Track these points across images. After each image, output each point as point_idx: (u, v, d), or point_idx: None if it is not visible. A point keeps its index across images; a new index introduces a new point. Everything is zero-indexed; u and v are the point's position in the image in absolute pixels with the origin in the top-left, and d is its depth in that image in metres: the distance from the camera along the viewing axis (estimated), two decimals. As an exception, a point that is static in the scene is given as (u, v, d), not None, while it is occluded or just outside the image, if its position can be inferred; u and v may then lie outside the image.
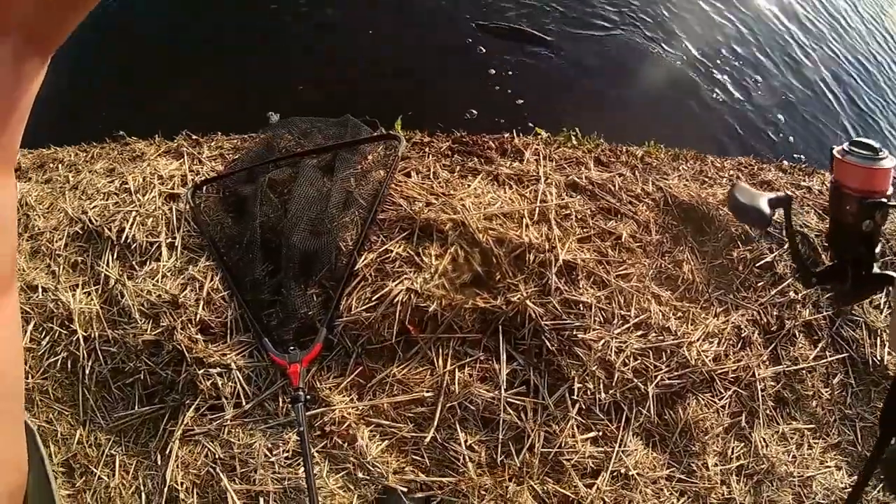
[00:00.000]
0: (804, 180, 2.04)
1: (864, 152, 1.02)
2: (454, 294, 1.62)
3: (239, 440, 1.66)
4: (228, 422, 1.68)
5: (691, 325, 1.71)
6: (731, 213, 1.33)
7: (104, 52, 2.79)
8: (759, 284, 1.81)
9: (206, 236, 1.80)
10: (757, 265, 1.81)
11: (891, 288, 1.08)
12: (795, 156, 2.19)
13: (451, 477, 1.61)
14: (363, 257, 1.67)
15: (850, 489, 1.91)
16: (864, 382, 1.94)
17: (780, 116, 2.42)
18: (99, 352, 1.73)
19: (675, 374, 1.67)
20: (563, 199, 1.68)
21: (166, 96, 2.41)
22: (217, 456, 1.66)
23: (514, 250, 1.62)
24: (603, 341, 1.62)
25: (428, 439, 1.61)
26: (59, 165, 2.22)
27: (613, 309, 1.64)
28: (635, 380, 1.64)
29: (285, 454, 1.64)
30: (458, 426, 1.62)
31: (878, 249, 1.04)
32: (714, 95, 2.35)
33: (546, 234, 1.63)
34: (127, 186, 2.03)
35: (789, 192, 1.09)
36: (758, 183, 1.96)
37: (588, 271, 1.64)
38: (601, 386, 1.63)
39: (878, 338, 1.96)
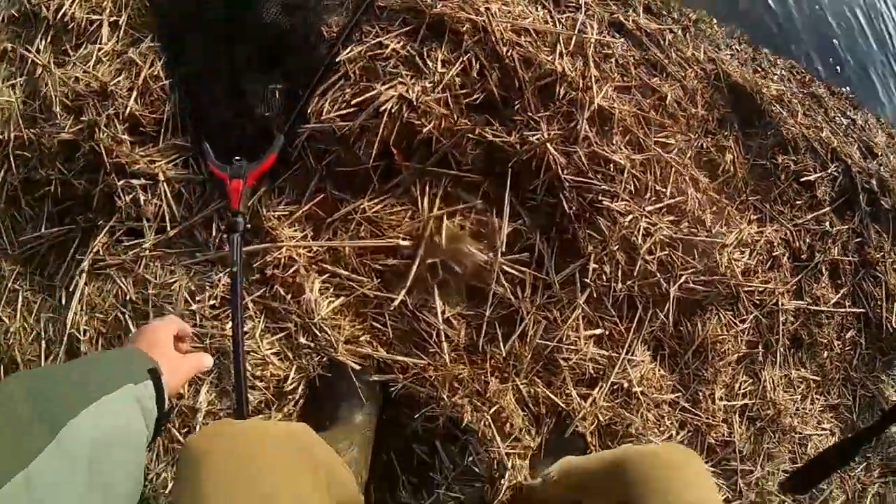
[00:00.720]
0: (849, 111, 1.84)
1: None
2: (458, 116, 1.22)
3: (157, 278, 1.22)
4: (147, 252, 1.23)
5: (726, 225, 1.41)
6: None
7: None
8: (798, 203, 1.55)
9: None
10: (799, 180, 1.56)
11: None
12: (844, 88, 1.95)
13: (419, 359, 1.21)
14: (348, 49, 1.23)
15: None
16: (872, 347, 1.73)
17: (840, 41, 2.18)
18: (12, 158, 1.27)
19: (703, 279, 1.35)
20: (605, 37, 1.33)
21: None
22: (129, 297, 1.22)
23: (541, 77, 1.24)
24: (631, 217, 1.27)
25: (396, 303, 1.21)
26: None
27: (648, 180, 1.31)
28: (659, 274, 1.31)
29: (211, 302, 1.21)
30: (435, 291, 1.22)
31: None
32: None
33: (581, 69, 1.27)
34: None
35: None
36: (808, 94, 1.73)
37: (625, 127, 1.29)
38: (619, 273, 1.28)
39: (895, 303, 1.76)
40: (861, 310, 1.70)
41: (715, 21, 1.68)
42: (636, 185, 1.29)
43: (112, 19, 1.35)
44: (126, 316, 1.20)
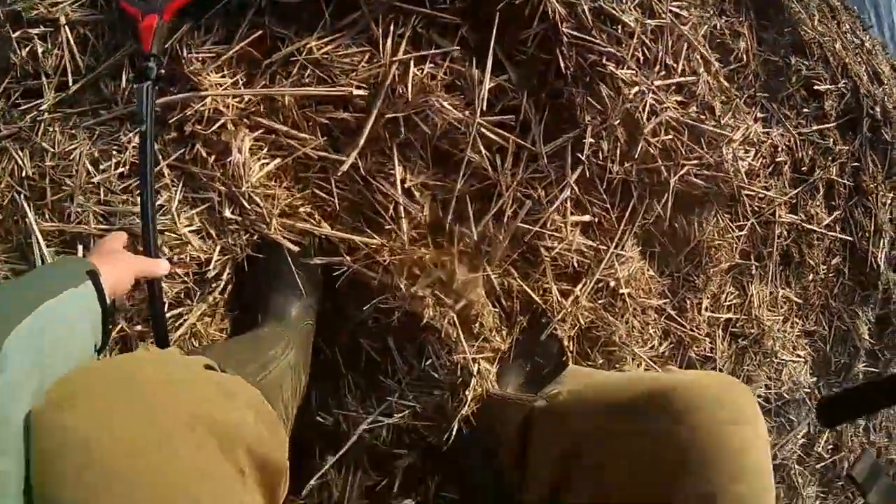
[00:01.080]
0: (859, 31, 1.70)
1: None
2: (441, -66, 0.97)
3: (56, 146, 0.93)
4: (46, 115, 0.94)
5: (734, 118, 1.25)
6: None
7: None
8: (805, 111, 1.42)
9: None
10: (809, 87, 1.42)
11: None
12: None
13: (371, 238, 1.00)
14: None
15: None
16: (854, 279, 1.66)
17: None
18: None
19: (706, 172, 1.19)
20: None
21: None
22: (25, 173, 0.93)
23: None
24: (637, 89, 1.08)
25: (345, 167, 0.98)
26: None
27: (658, 50, 1.11)
28: (660, 160, 1.13)
29: (118, 170, 0.97)
30: (395, 154, 1.00)
31: None
32: None
33: None
34: None
35: None
36: (824, 1, 1.57)
37: (637, -18, 1.08)
38: (618, 153, 1.10)
39: (882, 239, 1.68)
40: (849, 238, 1.61)
41: None
42: (645, 53, 1.10)
43: None
44: (22, 197, 0.95)
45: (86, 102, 0.99)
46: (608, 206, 1.12)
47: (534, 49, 1.04)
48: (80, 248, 0.95)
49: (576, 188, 1.08)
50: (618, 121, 1.08)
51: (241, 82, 1.01)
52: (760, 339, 1.42)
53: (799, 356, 1.57)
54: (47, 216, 0.95)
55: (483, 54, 1.01)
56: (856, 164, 1.59)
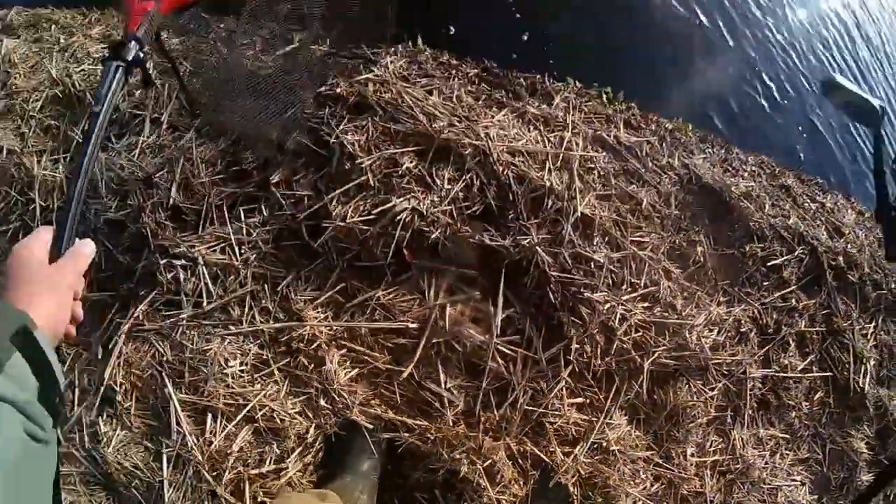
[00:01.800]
0: (818, 195, 2.03)
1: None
2: (461, 224, 1.49)
3: (193, 344, 1.49)
4: (184, 321, 1.50)
5: (696, 308, 1.64)
6: (833, 95, 1.20)
7: None
8: (765, 284, 1.77)
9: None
10: (766, 264, 1.77)
11: None
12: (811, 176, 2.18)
13: (423, 421, 1.47)
14: (370, 158, 1.51)
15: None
16: (841, 406, 1.92)
17: (804, 131, 2.42)
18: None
19: (674, 354, 1.59)
20: (588, 153, 1.59)
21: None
22: (165, 358, 1.48)
23: (533, 191, 1.51)
24: (609, 305, 1.52)
25: (405, 375, 1.47)
26: (53, 26, 2.02)
27: (624, 274, 1.55)
28: (633, 352, 1.55)
29: (243, 367, 1.47)
30: (440, 366, 1.49)
31: None
32: (753, 90, 2.32)
33: (567, 182, 1.53)
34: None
35: (883, 104, 0.99)
36: (777, 186, 1.94)
37: (604, 230, 1.54)
38: (598, 351, 1.53)
39: (863, 366, 1.94)
40: (828, 374, 1.89)
41: (691, 127, 1.91)
42: (614, 278, 1.54)
43: (154, 115, 1.67)
44: (163, 374, 1.43)
45: (217, 318, 1.53)
46: (596, 389, 1.54)
47: (531, 288, 1.51)
48: (209, 417, 1.39)
49: (569, 380, 1.52)
50: (596, 330, 1.52)
51: (330, 317, 1.55)
52: (747, 472, 1.72)
53: (794, 480, 1.84)
54: (183, 390, 1.41)
55: (496, 295, 1.50)
56: (826, 311, 1.89)
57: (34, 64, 1.87)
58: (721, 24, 2.45)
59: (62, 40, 1.94)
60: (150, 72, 1.32)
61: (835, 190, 2.15)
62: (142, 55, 0.87)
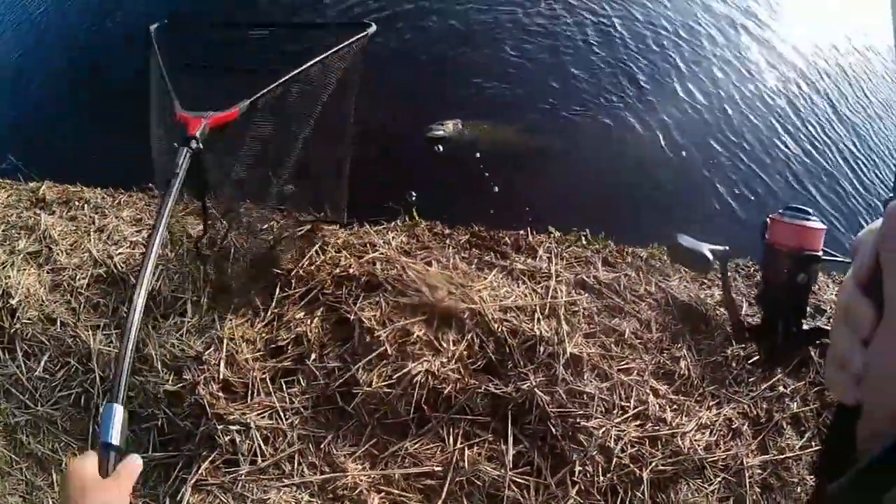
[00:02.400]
0: None
1: (798, 214, 1.16)
2: (468, 378, 1.77)
3: (253, 495, 1.81)
4: (243, 477, 1.82)
5: (686, 416, 1.85)
6: (673, 258, 1.42)
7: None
8: (751, 380, 1.95)
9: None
10: (749, 362, 1.95)
11: (824, 340, 1.13)
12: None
13: (456, 545, 1.75)
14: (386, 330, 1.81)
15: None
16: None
17: None
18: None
19: (669, 461, 1.81)
20: (572, 297, 1.84)
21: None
22: None
23: (526, 341, 1.77)
24: (604, 429, 1.76)
25: (435, 510, 1.75)
26: (85, 205, 2.40)
27: (614, 400, 1.79)
28: (632, 465, 1.78)
29: None
30: (464, 500, 1.77)
31: (807, 308, 1.13)
32: (715, 203, 2.53)
33: (555, 328, 1.78)
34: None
35: (727, 247, 1.22)
36: (753, 285, 2.11)
37: (593, 364, 1.79)
38: (600, 470, 1.77)
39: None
40: (831, 445, 2.04)
41: (665, 250, 2.12)
42: (606, 405, 1.78)
43: (193, 298, 2.02)
44: None
45: (272, 473, 1.86)
46: (603, 502, 1.78)
47: (535, 424, 1.77)
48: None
49: (577, 498, 1.76)
50: (595, 452, 1.76)
51: (367, 467, 1.85)
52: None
53: (808, 547, 2.01)
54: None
55: (506, 435, 1.77)
56: (817, 388, 2.05)
57: (73, 242, 2.25)
58: (692, 154, 2.67)
59: (97, 221, 2.32)
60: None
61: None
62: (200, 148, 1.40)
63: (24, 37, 3.70)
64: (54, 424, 1.94)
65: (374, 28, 1.85)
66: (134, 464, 0.86)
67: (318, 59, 1.69)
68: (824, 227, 1.11)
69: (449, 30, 3.16)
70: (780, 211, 1.19)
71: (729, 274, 1.25)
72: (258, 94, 1.62)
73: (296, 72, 1.68)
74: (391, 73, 2.77)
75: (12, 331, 2.00)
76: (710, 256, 1.18)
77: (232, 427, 1.86)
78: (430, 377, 1.77)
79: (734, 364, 1.94)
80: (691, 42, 3.35)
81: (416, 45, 3.04)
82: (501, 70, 2.92)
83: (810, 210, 1.16)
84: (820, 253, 1.08)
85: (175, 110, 1.52)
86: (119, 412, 0.89)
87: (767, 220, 1.18)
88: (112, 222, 2.35)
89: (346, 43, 1.75)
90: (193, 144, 1.42)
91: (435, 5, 3.27)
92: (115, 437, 0.86)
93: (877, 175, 3.15)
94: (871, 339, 0.34)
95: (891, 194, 0.42)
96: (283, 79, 1.65)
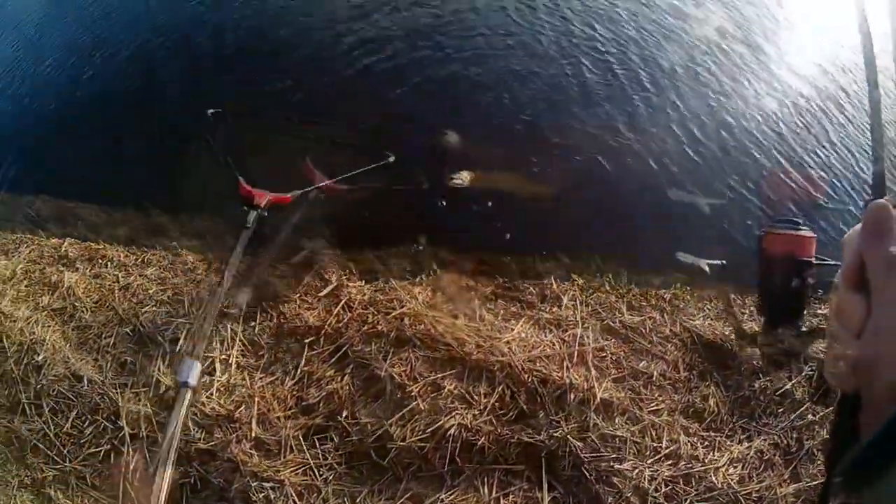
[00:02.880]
0: (819, 308, 2.19)
1: (790, 225, 1.17)
2: (501, 428, 1.80)
3: None
4: None
5: (717, 451, 1.88)
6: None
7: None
8: (780, 411, 1.97)
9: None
10: (777, 393, 1.97)
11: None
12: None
13: None
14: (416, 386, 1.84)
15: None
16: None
17: None
18: (146, 450, 1.88)
19: (704, 496, 1.83)
20: (599, 343, 1.86)
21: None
22: None
23: (556, 390, 1.80)
24: (637, 470, 1.79)
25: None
26: (108, 263, 2.44)
27: (646, 442, 1.82)
28: (666, 503, 1.81)
29: None
30: (504, 549, 1.80)
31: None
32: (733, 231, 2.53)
33: (585, 375, 1.81)
34: (180, 298, 2.24)
35: (723, 262, 1.27)
36: None
37: (623, 408, 1.81)
38: (636, 511, 1.80)
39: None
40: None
41: (689, 289, 2.12)
42: (637, 447, 1.81)
43: (222, 357, 2.06)
44: None
45: None
46: (639, 543, 1.81)
47: (569, 470, 1.81)
48: None
49: (614, 540, 1.80)
50: (629, 493, 1.79)
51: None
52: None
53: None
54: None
55: (541, 482, 1.80)
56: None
57: (98, 300, 2.30)
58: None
59: (121, 279, 2.36)
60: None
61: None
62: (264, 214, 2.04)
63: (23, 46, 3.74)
64: (83, 480, 1.98)
65: (392, 158, 2.48)
66: None
67: (346, 175, 2.36)
68: (814, 235, 1.18)
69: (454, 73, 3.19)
70: (772, 223, 1.25)
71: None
72: (307, 190, 2.24)
73: (330, 182, 2.34)
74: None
75: (38, 387, 2.04)
76: (706, 270, 1.21)
77: (266, 484, 1.90)
78: (462, 430, 1.80)
79: (762, 397, 1.96)
80: (689, 73, 3.35)
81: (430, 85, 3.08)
82: (512, 115, 2.94)
83: (800, 220, 1.22)
84: (812, 259, 1.17)
85: (242, 184, 2.06)
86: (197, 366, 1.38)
87: (761, 232, 1.24)
88: (136, 280, 2.39)
89: (369, 167, 2.40)
90: (258, 209, 2.01)
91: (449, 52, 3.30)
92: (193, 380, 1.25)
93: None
94: (862, 330, 0.37)
95: (870, 196, 0.45)
96: (321, 184, 2.32)
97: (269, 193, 2.07)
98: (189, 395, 1.83)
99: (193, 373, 1.82)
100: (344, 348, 1.92)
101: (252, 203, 2.05)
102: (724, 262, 1.15)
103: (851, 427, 0.39)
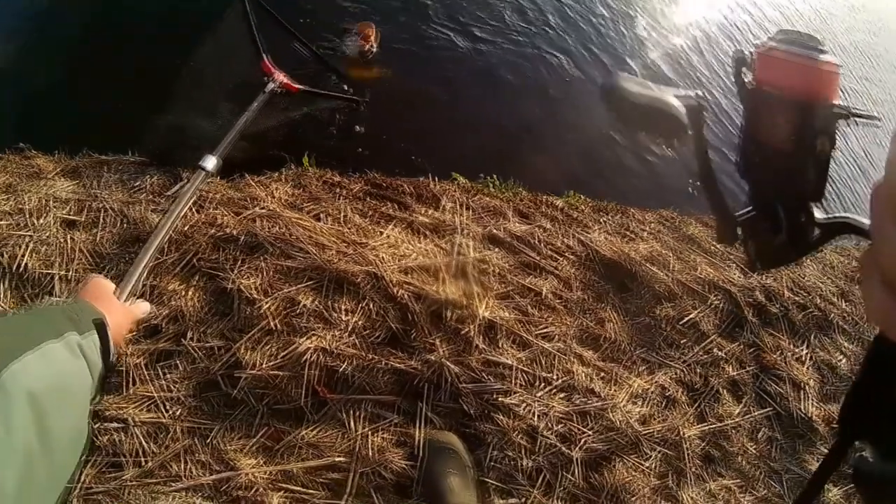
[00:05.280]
0: None
1: (803, 41, 0.67)
2: (367, 353, 1.51)
3: (142, 503, 1.49)
4: (129, 482, 1.50)
5: (616, 386, 1.66)
6: (616, 112, 0.91)
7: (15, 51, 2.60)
8: (683, 342, 1.80)
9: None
10: (681, 322, 1.80)
11: (853, 237, 0.68)
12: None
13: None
14: (268, 301, 1.54)
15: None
16: (789, 436, 1.94)
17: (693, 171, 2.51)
18: None
19: (601, 437, 1.60)
20: (482, 254, 1.62)
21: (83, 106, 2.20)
22: None
23: (432, 307, 1.54)
24: (526, 405, 1.54)
25: (343, 506, 1.47)
26: None
27: (536, 371, 1.57)
28: (560, 445, 1.56)
29: None
30: (373, 493, 1.50)
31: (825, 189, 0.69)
32: (637, 147, 2.40)
33: (464, 289, 1.56)
34: (22, 207, 1.85)
35: (699, 92, 0.77)
36: (681, 238, 1.98)
37: (509, 331, 1.57)
38: (524, 452, 1.54)
39: (803, 391, 1.97)
40: (768, 409, 1.91)
41: (583, 198, 1.95)
42: (525, 377, 1.56)
43: (62, 273, 1.68)
44: None
45: (159, 476, 1.54)
46: (529, 488, 1.55)
47: (447, 401, 1.53)
48: None
49: (497, 483, 1.53)
50: (516, 433, 1.53)
51: (264, 462, 1.55)
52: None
53: (757, 518, 1.85)
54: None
55: (417, 416, 1.52)
56: (753, 350, 1.92)
57: None
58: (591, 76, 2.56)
59: None
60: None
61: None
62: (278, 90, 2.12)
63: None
64: None
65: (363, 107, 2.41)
66: (144, 305, 1.06)
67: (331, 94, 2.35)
68: (838, 66, 0.66)
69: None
70: (778, 37, 0.70)
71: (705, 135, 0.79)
72: (312, 91, 2.22)
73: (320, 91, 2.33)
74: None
75: None
76: (679, 110, 0.74)
77: (110, 425, 1.53)
78: (322, 354, 1.50)
79: (665, 325, 1.78)
80: None
81: None
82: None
83: (818, 38, 0.69)
84: (835, 105, 0.65)
85: (263, 59, 2.10)
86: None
87: (750, 52, 0.72)
88: None
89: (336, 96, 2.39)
90: (276, 84, 2.02)
91: None
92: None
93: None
94: None
95: None
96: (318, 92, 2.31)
97: (286, 77, 2.07)
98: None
99: None
100: (190, 256, 1.59)
101: (272, 76, 2.06)
102: (699, 93, 0.73)
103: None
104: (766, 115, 0.72)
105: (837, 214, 0.69)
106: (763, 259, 0.77)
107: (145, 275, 1.24)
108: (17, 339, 0.51)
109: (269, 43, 2.23)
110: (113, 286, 0.93)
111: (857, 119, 0.68)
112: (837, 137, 0.69)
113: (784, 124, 0.70)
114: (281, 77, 2.07)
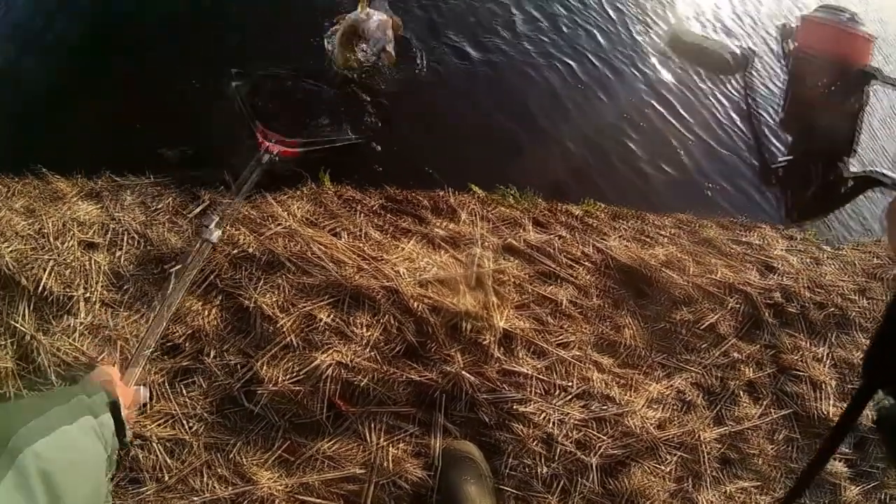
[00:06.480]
0: (745, 235, 2.04)
1: (839, 13, 0.81)
2: (386, 366, 1.53)
3: None
4: (150, 497, 1.55)
5: (634, 392, 1.66)
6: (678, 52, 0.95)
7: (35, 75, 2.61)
8: (702, 346, 1.79)
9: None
10: (698, 326, 1.79)
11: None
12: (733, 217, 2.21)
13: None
14: (288, 318, 1.56)
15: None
16: (808, 436, 1.93)
17: (714, 175, 2.45)
18: None
19: (618, 443, 1.61)
20: (499, 265, 1.62)
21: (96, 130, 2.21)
22: None
23: (449, 319, 1.55)
24: (543, 414, 1.55)
25: (359, 519, 1.51)
26: None
27: (553, 380, 1.58)
28: (577, 452, 1.58)
29: None
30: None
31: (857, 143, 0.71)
32: (652, 152, 2.37)
33: (482, 301, 1.56)
34: (43, 230, 1.88)
35: (750, 46, 0.83)
36: (699, 242, 1.95)
37: (527, 340, 1.58)
38: (541, 459, 1.56)
39: (822, 390, 1.96)
40: (787, 410, 1.90)
41: (601, 205, 1.93)
42: (543, 386, 1.57)
43: (85, 295, 1.71)
44: None
45: (180, 490, 1.59)
46: (546, 494, 1.57)
47: (465, 412, 1.55)
48: None
49: (513, 490, 1.55)
50: (534, 441, 1.55)
51: (282, 475, 1.59)
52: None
53: (773, 519, 1.85)
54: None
55: (434, 426, 1.54)
56: (772, 351, 1.91)
57: None
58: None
59: None
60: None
61: (760, 223, 2.17)
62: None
63: None
64: None
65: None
66: (145, 392, 1.17)
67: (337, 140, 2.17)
68: (872, 35, 0.76)
69: None
70: (822, 8, 0.80)
71: (754, 84, 0.83)
72: (311, 146, 2.06)
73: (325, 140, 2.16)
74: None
75: None
76: (729, 59, 0.85)
77: (133, 442, 1.58)
78: (341, 369, 1.52)
79: (683, 330, 1.77)
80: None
81: None
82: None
83: (853, 10, 0.78)
84: (870, 68, 0.74)
85: (258, 134, 2.00)
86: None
87: (794, 21, 0.80)
88: (5, 216, 2.00)
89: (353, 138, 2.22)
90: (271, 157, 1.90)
91: None
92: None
93: None
94: None
95: None
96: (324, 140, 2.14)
97: (282, 145, 1.97)
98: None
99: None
100: (211, 276, 1.61)
101: (267, 149, 1.97)
102: (750, 47, 0.77)
103: None
104: (806, 75, 0.79)
105: (866, 168, 0.72)
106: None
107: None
108: (33, 423, 0.54)
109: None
110: (119, 374, 1.01)
111: (888, 83, 0.73)
112: (871, 98, 0.74)
113: (821, 83, 0.77)
114: (276, 148, 1.97)
